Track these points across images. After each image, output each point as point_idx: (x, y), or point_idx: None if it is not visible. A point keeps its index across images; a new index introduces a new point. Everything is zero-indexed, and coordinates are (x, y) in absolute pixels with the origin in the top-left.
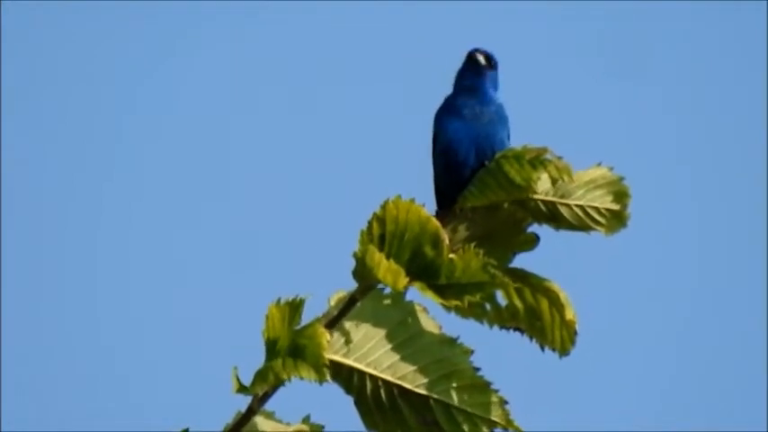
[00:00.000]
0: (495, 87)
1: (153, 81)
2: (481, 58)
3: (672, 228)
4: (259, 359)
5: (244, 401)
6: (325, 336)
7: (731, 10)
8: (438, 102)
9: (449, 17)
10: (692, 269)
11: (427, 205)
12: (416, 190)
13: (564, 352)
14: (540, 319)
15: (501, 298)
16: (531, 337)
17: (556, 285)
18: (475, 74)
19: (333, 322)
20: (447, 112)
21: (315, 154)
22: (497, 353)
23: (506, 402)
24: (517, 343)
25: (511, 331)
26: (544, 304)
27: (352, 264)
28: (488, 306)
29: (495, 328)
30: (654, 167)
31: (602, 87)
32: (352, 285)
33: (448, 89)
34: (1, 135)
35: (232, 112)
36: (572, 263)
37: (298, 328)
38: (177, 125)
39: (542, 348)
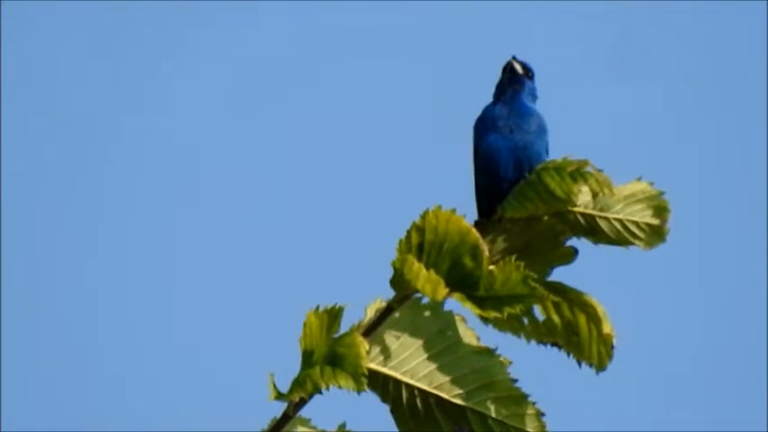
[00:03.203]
0: (534, 97)
1: (153, 81)
2: (518, 67)
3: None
4: (292, 366)
5: (277, 407)
6: (364, 345)
7: (731, 10)
8: (478, 110)
9: (448, 18)
10: (695, 272)
11: (467, 217)
12: (457, 200)
13: (601, 367)
14: (577, 333)
15: (539, 313)
16: (568, 353)
17: (594, 300)
18: (512, 83)
19: (370, 331)
20: (485, 124)
21: (356, 162)
22: (535, 365)
23: (543, 414)
24: (554, 356)
25: (548, 347)
26: (582, 319)
27: (390, 272)
28: (526, 320)
29: (533, 342)
30: (653, 168)
31: (604, 90)
32: (387, 293)
33: (488, 97)
34: (1, 135)
35: (276, 114)
36: (608, 277)
37: (336, 336)
38: (189, 125)
39: (579, 364)
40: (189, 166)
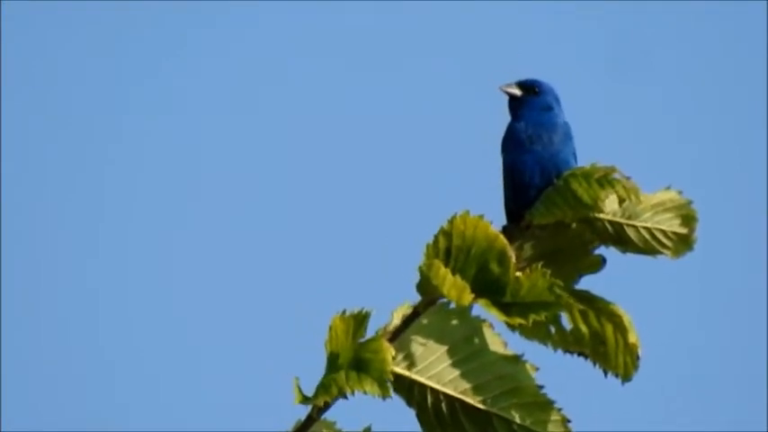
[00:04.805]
0: (547, 108)
1: (153, 81)
2: (513, 91)
3: None
4: (316, 369)
5: (301, 409)
6: (390, 351)
7: (731, 10)
8: (494, 113)
9: (448, 18)
10: (698, 277)
11: (495, 222)
12: (485, 204)
13: (627, 377)
14: (604, 343)
15: (566, 322)
16: (594, 363)
17: (620, 309)
18: (514, 105)
19: (396, 335)
20: (507, 139)
21: (383, 165)
22: (563, 373)
23: (569, 421)
24: (580, 365)
25: (575, 356)
26: (609, 329)
27: (417, 277)
28: (553, 329)
29: (560, 351)
30: (652, 167)
31: (604, 90)
32: (413, 298)
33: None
34: (1, 135)
35: (304, 118)
36: (631, 285)
37: (362, 341)
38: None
39: (605, 374)
40: (190, 166)
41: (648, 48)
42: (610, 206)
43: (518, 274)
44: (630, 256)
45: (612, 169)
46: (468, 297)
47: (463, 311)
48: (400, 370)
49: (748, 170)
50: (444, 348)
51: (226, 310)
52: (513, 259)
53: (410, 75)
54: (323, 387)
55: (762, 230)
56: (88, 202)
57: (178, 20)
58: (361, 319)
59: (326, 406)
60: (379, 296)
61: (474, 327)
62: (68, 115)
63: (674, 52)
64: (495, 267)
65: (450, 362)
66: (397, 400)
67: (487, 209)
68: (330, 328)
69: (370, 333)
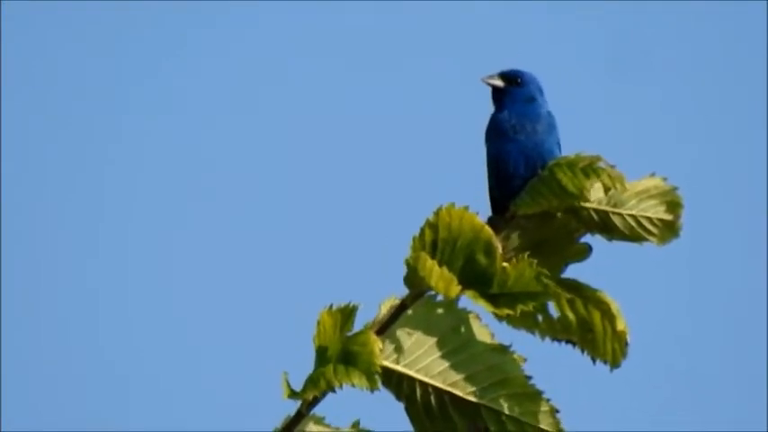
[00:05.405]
0: (530, 99)
1: (153, 81)
2: (496, 83)
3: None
4: (305, 365)
5: (291, 405)
6: (378, 343)
7: (731, 10)
8: (483, 108)
9: (448, 18)
10: (689, 269)
11: (481, 213)
12: (471, 196)
13: (615, 364)
14: (592, 330)
15: (553, 310)
16: (582, 350)
17: (608, 296)
18: (497, 96)
19: (384, 328)
20: (490, 130)
21: (369, 160)
22: (550, 363)
23: (557, 411)
24: (568, 353)
25: (563, 344)
26: (596, 316)
27: (404, 270)
28: (540, 317)
29: (547, 339)
30: (652, 167)
31: (603, 89)
32: (401, 291)
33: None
34: (1, 135)
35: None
36: (620, 273)
37: (349, 334)
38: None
39: (594, 361)
40: (189, 166)
41: (648, 48)
42: (595, 195)
43: (505, 264)
44: (617, 244)
45: (597, 158)
46: (455, 289)
47: (449, 303)
48: (389, 363)
49: (747, 168)
50: (432, 341)
51: (216, 308)
52: (500, 250)
53: (410, 75)
54: (311, 381)
55: (759, 227)
56: (88, 202)
57: (178, 20)
58: (348, 313)
59: (316, 401)
60: (366, 290)
61: (460, 318)
62: (68, 115)
63: (674, 52)
64: (481, 258)
65: (438, 354)
66: (386, 395)
67: (473, 200)
68: (318, 323)
69: (357, 327)
